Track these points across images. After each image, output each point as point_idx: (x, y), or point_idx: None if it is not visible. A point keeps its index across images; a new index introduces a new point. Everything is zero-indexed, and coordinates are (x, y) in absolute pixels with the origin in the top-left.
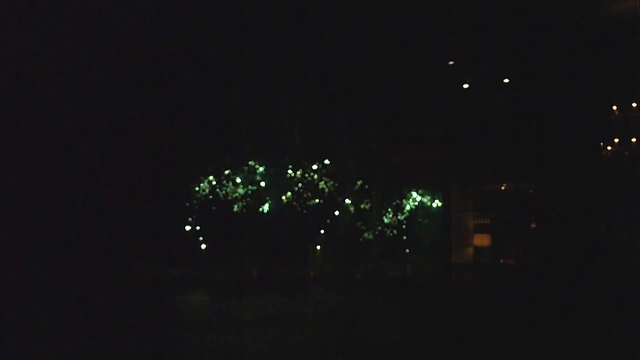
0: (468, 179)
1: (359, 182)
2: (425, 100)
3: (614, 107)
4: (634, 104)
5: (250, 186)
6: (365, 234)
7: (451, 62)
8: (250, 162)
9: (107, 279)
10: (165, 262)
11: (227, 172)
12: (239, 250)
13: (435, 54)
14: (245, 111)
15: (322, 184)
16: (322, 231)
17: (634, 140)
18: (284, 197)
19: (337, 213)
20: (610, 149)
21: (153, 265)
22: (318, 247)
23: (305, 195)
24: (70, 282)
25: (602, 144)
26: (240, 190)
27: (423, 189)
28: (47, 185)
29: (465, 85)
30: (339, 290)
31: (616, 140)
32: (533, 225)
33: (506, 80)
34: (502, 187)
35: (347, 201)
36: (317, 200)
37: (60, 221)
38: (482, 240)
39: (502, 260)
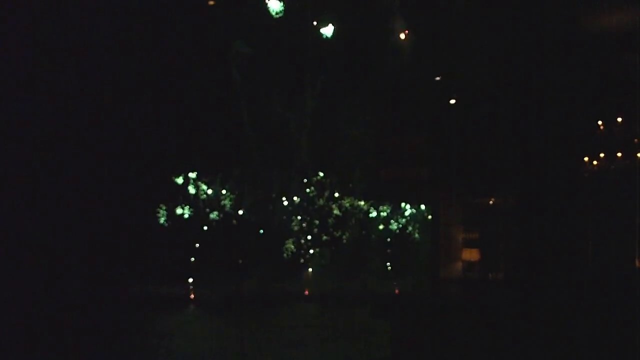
0: (456, 193)
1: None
2: (412, 115)
3: (600, 122)
4: (619, 119)
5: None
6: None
7: (438, 78)
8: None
9: (95, 293)
10: (153, 279)
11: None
12: (232, 267)
13: (422, 70)
14: (246, 125)
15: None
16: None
17: (619, 154)
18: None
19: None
20: (596, 164)
21: (142, 282)
22: (310, 269)
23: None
24: (52, 298)
25: (588, 158)
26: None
27: (412, 204)
28: (36, 192)
29: (452, 101)
30: (329, 306)
31: (602, 154)
32: (521, 240)
33: (493, 95)
34: (491, 202)
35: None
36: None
37: (47, 232)
38: (470, 254)
39: (490, 275)
